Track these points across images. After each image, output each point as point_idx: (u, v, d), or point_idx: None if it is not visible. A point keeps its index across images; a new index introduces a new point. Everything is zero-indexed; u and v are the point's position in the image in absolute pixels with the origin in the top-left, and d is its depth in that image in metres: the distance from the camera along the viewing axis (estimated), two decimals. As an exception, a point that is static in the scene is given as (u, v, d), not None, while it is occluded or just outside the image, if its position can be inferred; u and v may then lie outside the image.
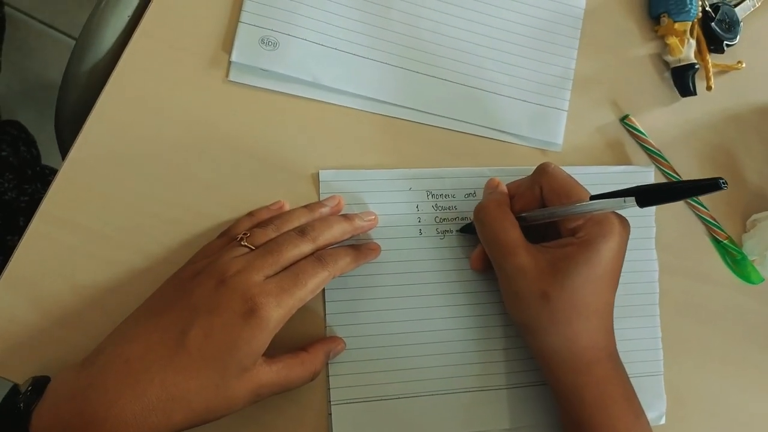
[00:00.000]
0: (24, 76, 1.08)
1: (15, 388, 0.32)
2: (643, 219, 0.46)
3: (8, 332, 0.35)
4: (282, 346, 0.34)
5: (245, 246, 0.35)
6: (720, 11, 0.50)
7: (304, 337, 0.38)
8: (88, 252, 0.37)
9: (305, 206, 0.40)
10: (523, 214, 0.38)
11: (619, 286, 0.37)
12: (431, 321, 0.41)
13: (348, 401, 0.39)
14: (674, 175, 0.48)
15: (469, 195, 0.43)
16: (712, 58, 0.50)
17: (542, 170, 0.39)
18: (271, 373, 0.33)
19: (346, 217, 0.39)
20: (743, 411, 0.46)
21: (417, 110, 0.44)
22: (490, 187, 0.41)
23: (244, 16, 0.41)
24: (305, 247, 0.35)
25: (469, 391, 0.40)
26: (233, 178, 0.40)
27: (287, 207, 0.40)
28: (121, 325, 0.34)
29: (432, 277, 0.41)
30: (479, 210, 0.39)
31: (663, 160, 0.47)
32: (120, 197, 0.38)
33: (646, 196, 0.32)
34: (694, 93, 0.49)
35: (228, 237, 0.37)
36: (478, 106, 0.45)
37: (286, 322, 0.33)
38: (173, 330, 0.31)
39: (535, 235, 0.38)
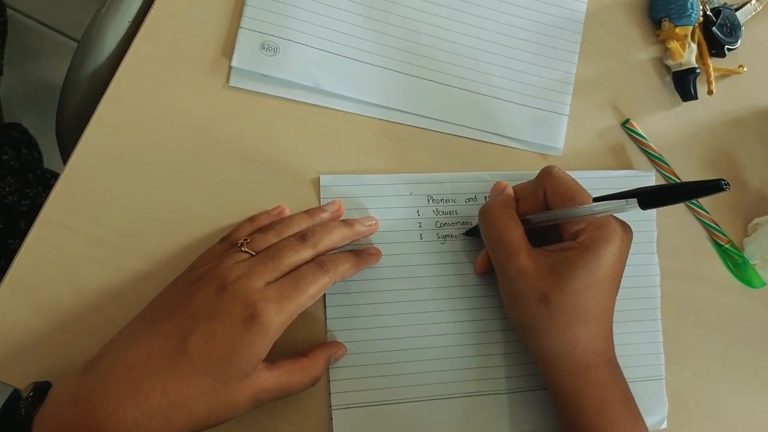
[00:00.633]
0: (26, 78, 1.08)
1: (16, 394, 0.32)
2: (644, 223, 0.46)
3: (9, 336, 0.35)
4: (283, 352, 0.34)
5: (246, 252, 0.35)
6: (721, 15, 0.50)
7: (304, 342, 0.38)
8: (90, 257, 0.37)
9: (306, 211, 0.40)
10: (527, 217, 0.38)
11: (621, 290, 0.37)
12: (432, 326, 0.41)
13: (349, 406, 0.39)
14: (675, 179, 0.47)
15: (469, 200, 0.43)
16: (713, 62, 0.50)
17: (546, 173, 0.39)
18: (271, 379, 0.33)
19: (347, 222, 0.39)
20: (745, 415, 0.46)
21: (417, 115, 0.44)
22: (497, 189, 0.41)
23: (245, 22, 0.41)
24: (306, 253, 0.36)
25: (470, 396, 0.40)
26: (234, 183, 0.40)
27: (288, 212, 0.40)
28: (122, 331, 0.34)
29: (432, 281, 0.41)
30: (484, 211, 0.39)
31: (664, 165, 0.47)
32: (121, 202, 0.38)
33: (647, 198, 0.32)
34: (696, 97, 0.49)
35: (228, 242, 0.37)
36: (478, 111, 0.45)
37: (287, 327, 0.33)
38: (174, 336, 0.31)
39: (537, 239, 0.38)
